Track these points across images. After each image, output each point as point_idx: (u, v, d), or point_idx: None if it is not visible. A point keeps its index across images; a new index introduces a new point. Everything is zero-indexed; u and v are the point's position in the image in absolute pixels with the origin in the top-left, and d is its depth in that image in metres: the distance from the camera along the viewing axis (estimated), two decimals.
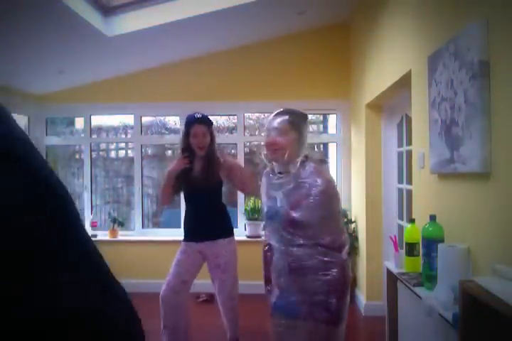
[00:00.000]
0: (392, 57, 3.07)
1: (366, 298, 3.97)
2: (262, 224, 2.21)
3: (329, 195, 1.91)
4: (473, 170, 1.78)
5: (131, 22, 3.73)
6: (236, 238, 3.05)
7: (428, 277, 1.98)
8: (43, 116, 5.07)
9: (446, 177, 2.14)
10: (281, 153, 1.95)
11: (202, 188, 2.88)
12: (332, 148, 5.28)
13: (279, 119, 1.99)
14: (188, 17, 3.70)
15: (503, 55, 1.61)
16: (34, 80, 4.53)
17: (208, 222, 2.92)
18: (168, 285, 2.84)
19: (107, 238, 4.90)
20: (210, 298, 4.34)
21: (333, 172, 5.22)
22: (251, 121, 6.32)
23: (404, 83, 2.88)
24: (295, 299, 1.92)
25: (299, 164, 1.94)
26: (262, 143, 2.08)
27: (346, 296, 1.89)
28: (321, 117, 6.01)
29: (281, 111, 2.02)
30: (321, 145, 5.93)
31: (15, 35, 3.35)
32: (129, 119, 5.27)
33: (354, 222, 4.53)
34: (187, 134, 2.90)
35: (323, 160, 2.06)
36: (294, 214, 1.87)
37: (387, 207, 3.92)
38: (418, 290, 1.99)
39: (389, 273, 2.49)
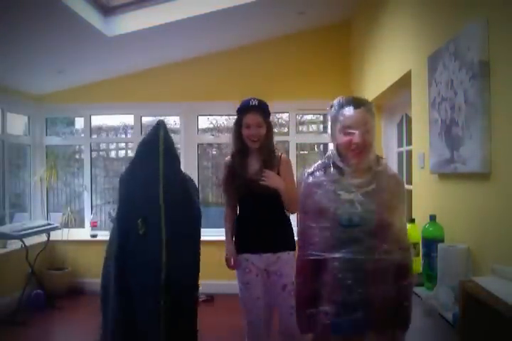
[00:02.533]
0: (392, 57, 3.07)
1: None
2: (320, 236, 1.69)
3: (404, 194, 1.79)
4: (473, 170, 1.78)
5: (131, 22, 3.72)
6: None
7: (428, 277, 1.98)
8: (42, 116, 5.07)
9: (446, 177, 2.14)
10: (367, 155, 1.69)
11: (261, 188, 2.37)
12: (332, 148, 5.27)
13: (362, 112, 1.70)
14: (188, 17, 3.70)
15: (503, 55, 1.61)
16: (34, 80, 4.53)
17: (270, 230, 2.42)
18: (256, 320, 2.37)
19: (107, 238, 4.88)
20: (210, 298, 4.34)
21: None
22: None
23: (404, 83, 2.88)
24: (363, 312, 1.64)
25: (376, 162, 1.73)
26: (337, 142, 1.72)
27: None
28: (321, 117, 6.00)
29: (358, 102, 1.73)
30: (321, 146, 5.92)
31: (14, 35, 3.35)
32: (129, 119, 5.26)
33: None
34: (239, 124, 2.46)
35: (383, 158, 1.85)
36: (388, 219, 1.67)
37: None
38: (418, 290, 1.98)
39: None
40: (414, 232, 2.24)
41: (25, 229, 4.08)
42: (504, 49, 1.60)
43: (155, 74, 4.84)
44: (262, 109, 2.46)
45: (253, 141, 2.44)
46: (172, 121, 5.76)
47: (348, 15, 4.53)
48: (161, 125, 2.16)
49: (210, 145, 5.74)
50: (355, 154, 1.67)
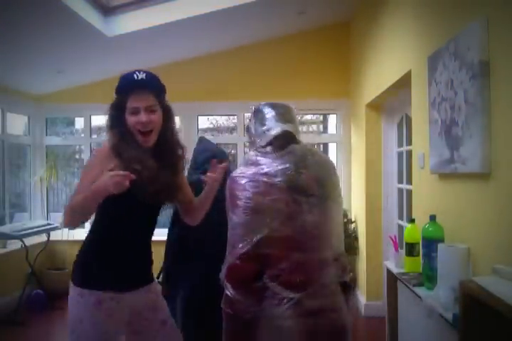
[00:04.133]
0: (392, 57, 3.07)
1: (366, 298, 3.97)
2: None
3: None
4: (473, 170, 1.78)
5: (131, 22, 3.72)
6: None
7: (428, 277, 1.98)
8: (42, 116, 5.07)
9: (446, 177, 2.14)
10: None
11: (149, 205, 1.71)
12: (332, 148, 5.28)
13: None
14: (188, 17, 3.70)
15: (503, 54, 1.61)
16: (33, 80, 4.53)
17: (143, 256, 1.83)
18: None
19: None
20: None
21: None
22: None
23: (404, 83, 2.88)
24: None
25: None
26: None
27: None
28: (321, 117, 6.00)
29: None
30: (321, 145, 5.92)
31: (14, 35, 3.35)
32: None
33: (354, 222, 4.53)
34: (119, 108, 1.71)
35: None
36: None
37: (387, 207, 3.92)
38: (418, 290, 1.98)
39: (389, 273, 2.48)
40: (414, 232, 2.24)
41: (25, 229, 4.08)
42: (504, 49, 1.60)
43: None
44: (155, 85, 1.73)
45: (144, 135, 1.68)
46: None
47: (348, 15, 4.53)
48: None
49: None
50: None
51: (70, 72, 4.44)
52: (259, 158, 1.62)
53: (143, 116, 1.65)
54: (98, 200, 1.55)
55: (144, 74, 1.69)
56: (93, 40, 3.72)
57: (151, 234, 1.84)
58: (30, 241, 4.23)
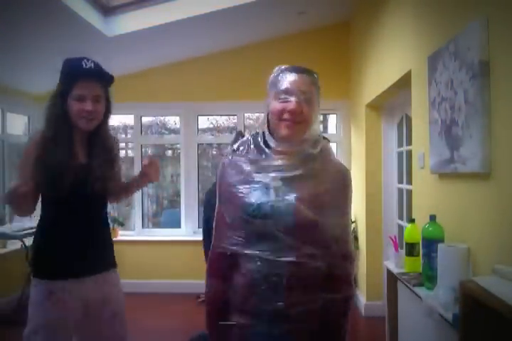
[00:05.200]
0: (392, 57, 3.07)
1: (366, 298, 3.97)
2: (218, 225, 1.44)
3: (351, 189, 1.43)
4: (473, 170, 1.78)
5: (131, 22, 3.72)
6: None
7: (428, 277, 1.98)
8: (42, 116, 5.06)
9: (446, 177, 2.14)
10: (302, 130, 1.35)
11: (90, 189, 1.71)
12: (332, 148, 5.28)
13: (304, 79, 1.38)
14: (188, 17, 3.70)
15: (503, 54, 1.61)
16: (33, 80, 4.52)
17: (92, 244, 1.77)
18: None
19: None
20: None
21: None
22: (251, 121, 6.32)
23: (404, 83, 2.88)
24: (284, 329, 1.32)
25: (314, 144, 1.39)
26: (274, 108, 1.35)
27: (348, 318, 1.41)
28: (321, 117, 6.01)
29: (302, 69, 1.41)
30: None
31: (14, 35, 3.35)
32: (129, 119, 5.27)
33: (354, 222, 4.53)
34: (64, 94, 1.68)
35: (329, 141, 1.51)
36: (318, 216, 1.31)
37: (387, 207, 3.92)
38: (418, 290, 1.98)
39: (389, 273, 2.48)
40: (415, 232, 2.24)
41: (25, 229, 4.08)
42: (504, 49, 1.60)
43: (155, 74, 4.84)
44: (104, 76, 1.75)
45: (88, 120, 1.68)
46: (172, 121, 5.76)
47: (348, 15, 4.53)
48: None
49: (210, 145, 5.74)
50: (287, 125, 1.32)
51: None
52: None
53: (89, 104, 1.66)
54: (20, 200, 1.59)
55: (92, 64, 1.71)
56: (93, 40, 3.72)
57: (98, 222, 1.82)
58: (30, 241, 4.23)
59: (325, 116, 5.73)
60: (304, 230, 1.31)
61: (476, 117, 1.74)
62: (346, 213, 1.41)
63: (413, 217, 2.50)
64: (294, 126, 1.33)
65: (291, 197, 1.31)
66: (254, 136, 1.43)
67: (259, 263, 1.31)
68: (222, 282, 1.39)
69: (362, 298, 4.10)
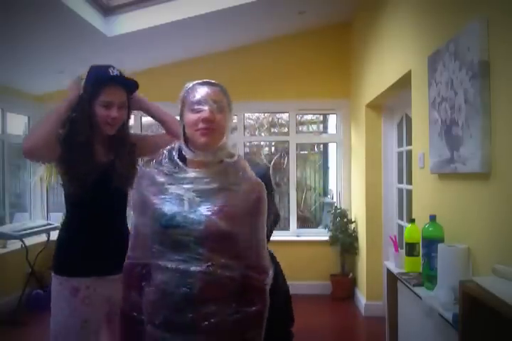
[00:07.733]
0: (392, 57, 3.07)
1: (366, 298, 3.97)
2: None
3: (265, 204, 1.42)
4: (473, 170, 1.78)
5: (131, 22, 3.72)
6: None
7: (428, 277, 1.98)
8: (42, 116, 5.05)
9: (446, 177, 2.14)
10: (218, 137, 1.37)
11: (112, 187, 1.77)
12: (332, 148, 5.28)
13: (214, 90, 1.43)
14: (188, 17, 3.70)
15: (503, 54, 1.61)
16: (34, 80, 4.53)
17: (114, 242, 1.77)
18: None
19: None
20: None
21: (333, 172, 5.23)
22: (251, 121, 6.32)
23: (404, 83, 2.88)
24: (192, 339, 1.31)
25: (229, 154, 1.41)
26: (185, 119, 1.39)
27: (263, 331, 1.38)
28: (321, 117, 6.01)
29: (211, 82, 1.47)
30: (321, 146, 5.92)
31: (14, 35, 3.35)
32: None
33: (354, 222, 4.53)
34: (91, 99, 1.74)
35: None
36: (222, 223, 1.32)
37: (387, 207, 3.92)
38: (418, 290, 1.98)
39: (389, 273, 2.49)
40: (415, 232, 2.24)
41: (25, 229, 4.08)
42: (504, 49, 1.60)
43: (155, 74, 4.83)
44: (128, 84, 1.80)
45: (110, 125, 1.76)
46: None
47: (348, 15, 4.53)
48: None
49: None
50: (203, 132, 1.33)
51: (70, 72, 4.43)
52: None
53: (114, 111, 1.73)
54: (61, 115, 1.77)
55: (118, 72, 1.79)
56: (93, 40, 3.72)
57: (122, 219, 1.86)
58: (30, 241, 4.23)
59: (325, 116, 5.74)
60: (216, 241, 1.32)
61: (476, 117, 1.74)
62: (260, 227, 1.41)
63: (413, 216, 2.50)
64: (210, 134, 1.34)
65: (204, 208, 1.34)
66: (169, 150, 1.44)
67: (170, 273, 1.31)
68: (137, 293, 1.39)
69: (362, 297, 4.10)
